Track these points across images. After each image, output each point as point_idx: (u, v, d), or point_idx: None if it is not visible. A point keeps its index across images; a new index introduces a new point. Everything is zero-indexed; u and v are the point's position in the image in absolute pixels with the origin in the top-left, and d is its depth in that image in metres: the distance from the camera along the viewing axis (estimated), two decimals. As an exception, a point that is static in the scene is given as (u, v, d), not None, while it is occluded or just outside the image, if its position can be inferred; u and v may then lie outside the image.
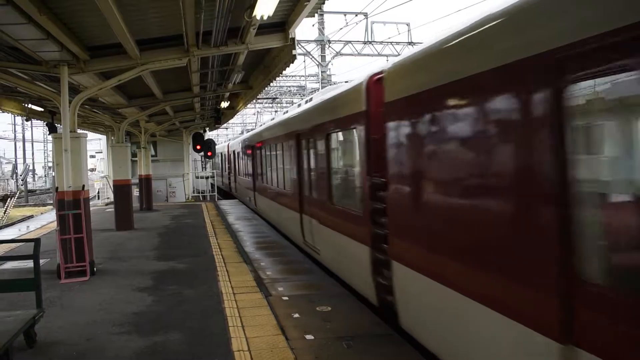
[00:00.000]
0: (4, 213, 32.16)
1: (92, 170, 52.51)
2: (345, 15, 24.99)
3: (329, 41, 26.90)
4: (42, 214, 28.04)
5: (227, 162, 32.76)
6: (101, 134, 29.78)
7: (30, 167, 60.45)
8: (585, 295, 3.29)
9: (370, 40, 25.96)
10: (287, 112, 15.79)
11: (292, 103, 39.04)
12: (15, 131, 64.23)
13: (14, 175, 50.99)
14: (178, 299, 8.41)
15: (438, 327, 5.30)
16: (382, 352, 6.00)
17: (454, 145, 4.88)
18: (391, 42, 26.09)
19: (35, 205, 40.66)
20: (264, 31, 10.07)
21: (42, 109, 16.73)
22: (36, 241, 6.81)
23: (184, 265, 11.00)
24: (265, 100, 41.41)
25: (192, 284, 9.31)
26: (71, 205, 10.13)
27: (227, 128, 57.29)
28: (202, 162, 34.58)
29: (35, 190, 52.61)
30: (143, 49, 10.04)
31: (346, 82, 11.45)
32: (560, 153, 3.47)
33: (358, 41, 26.49)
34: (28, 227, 19.53)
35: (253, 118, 52.84)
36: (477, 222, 4.46)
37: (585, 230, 3.35)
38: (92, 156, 57.68)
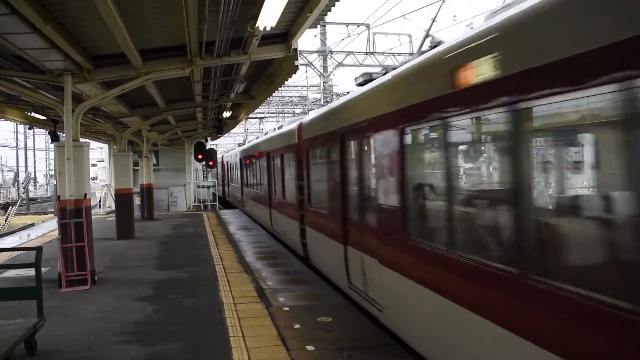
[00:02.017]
0: (5, 221, 32.13)
1: (94, 178, 52.56)
2: (347, 26, 25.15)
3: (331, 52, 27.03)
4: (43, 222, 28.03)
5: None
6: (103, 142, 29.82)
7: (32, 175, 60.54)
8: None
9: (372, 51, 26.09)
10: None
11: (294, 113, 39.19)
12: (17, 139, 64.46)
13: (16, 183, 51.06)
14: (179, 309, 8.40)
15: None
16: (383, 363, 5.99)
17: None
18: (393, 53, 26.22)
19: (36, 213, 40.67)
20: (267, 42, 10.12)
21: (45, 118, 16.78)
22: (38, 249, 6.81)
23: (185, 275, 11.00)
24: (267, 110, 41.52)
25: (193, 294, 9.31)
26: (73, 214, 10.15)
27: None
28: (203, 171, 34.59)
29: (37, 199, 52.66)
30: (146, 58, 10.10)
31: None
32: (342, 168, 8.69)
33: (360, 52, 26.62)
34: (29, 235, 19.53)
35: (255, 127, 52.94)
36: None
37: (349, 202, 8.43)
38: (94, 165, 57.76)
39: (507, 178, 4.23)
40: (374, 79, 7.84)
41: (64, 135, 10.83)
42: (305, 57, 26.61)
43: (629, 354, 3.09)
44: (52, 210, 37.02)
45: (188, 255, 13.55)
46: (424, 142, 6.06)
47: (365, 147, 7.66)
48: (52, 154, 61.46)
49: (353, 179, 8.29)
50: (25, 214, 39.50)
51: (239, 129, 47.72)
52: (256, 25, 7.95)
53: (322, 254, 10.65)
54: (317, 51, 27.25)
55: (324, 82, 28.01)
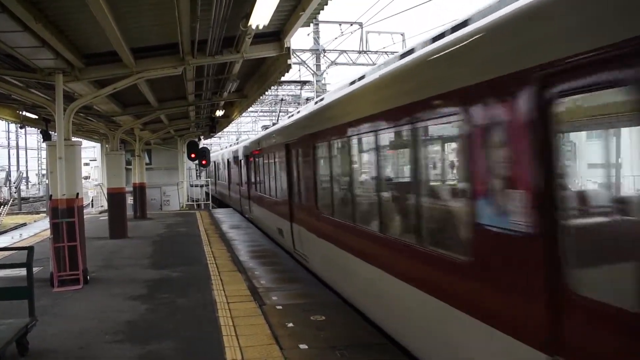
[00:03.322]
0: (-3, 221, 31.96)
1: (86, 178, 52.33)
2: (340, 24, 25.11)
3: (324, 50, 27.00)
4: (35, 221, 27.89)
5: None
6: (96, 141, 29.72)
7: (24, 175, 60.18)
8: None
9: (365, 49, 26.08)
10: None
11: (287, 112, 39.13)
12: (9, 138, 64.07)
13: (7, 183, 50.74)
14: (172, 308, 8.38)
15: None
16: (376, 361, 6.00)
17: None
18: (386, 52, 26.23)
19: (28, 213, 40.43)
20: (259, 40, 10.11)
21: (37, 117, 16.70)
22: (29, 249, 6.77)
23: (178, 274, 10.97)
24: (261, 109, 41.45)
25: (186, 293, 9.29)
26: (65, 213, 10.10)
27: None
28: (196, 170, 34.50)
29: (29, 198, 52.34)
30: (138, 57, 10.06)
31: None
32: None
33: (353, 50, 26.61)
34: (21, 235, 19.42)
35: (249, 126, 52.91)
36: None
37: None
38: (87, 164, 57.49)
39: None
40: None
41: (55, 134, 10.78)
42: (298, 56, 26.57)
43: None
44: (45, 209, 36.83)
45: (181, 254, 13.51)
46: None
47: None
48: (44, 153, 61.14)
49: None
50: (17, 214, 39.28)
51: (232, 127, 47.60)
52: (249, 24, 7.94)
53: None
54: (310, 50, 27.21)
55: (317, 81, 27.95)
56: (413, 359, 5.86)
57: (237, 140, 24.07)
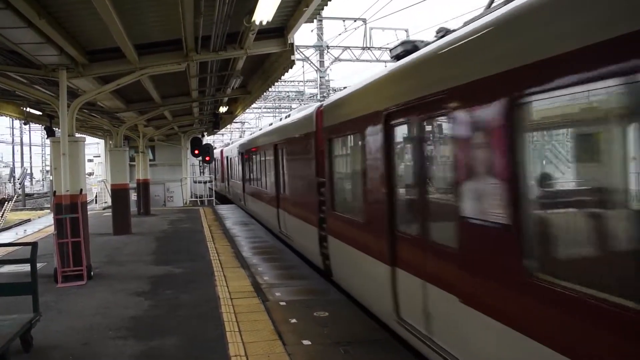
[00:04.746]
0: (1, 217, 32.08)
1: (90, 174, 52.43)
2: (344, 20, 25.09)
3: (328, 47, 26.97)
4: (39, 217, 27.95)
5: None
6: (99, 138, 29.75)
7: (28, 171, 60.37)
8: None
9: (368, 46, 26.04)
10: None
11: (291, 108, 39.13)
12: (13, 135, 64.32)
13: (12, 179, 50.91)
14: (175, 304, 8.39)
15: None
16: (379, 358, 5.99)
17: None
18: (389, 48, 26.17)
19: (32, 209, 40.58)
20: (263, 36, 10.09)
21: (41, 113, 16.73)
22: (33, 245, 6.79)
23: (181, 270, 10.98)
24: (265, 105, 41.45)
25: (189, 289, 9.29)
26: (69, 209, 10.12)
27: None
28: (200, 166, 34.52)
29: (33, 194, 52.51)
30: (142, 53, 10.06)
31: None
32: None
33: (357, 47, 26.57)
34: (25, 230, 19.48)
35: (253, 123, 52.95)
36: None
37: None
38: (90, 160, 57.63)
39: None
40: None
41: (59, 130, 10.79)
42: (301, 52, 26.56)
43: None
44: (48, 205, 36.94)
45: (184, 250, 13.53)
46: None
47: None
48: (48, 150, 61.32)
49: None
50: (22, 210, 39.44)
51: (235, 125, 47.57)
52: (252, 20, 7.93)
53: None
54: (313, 46, 27.19)
55: (320, 77, 27.95)
56: (421, 359, 5.85)
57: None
